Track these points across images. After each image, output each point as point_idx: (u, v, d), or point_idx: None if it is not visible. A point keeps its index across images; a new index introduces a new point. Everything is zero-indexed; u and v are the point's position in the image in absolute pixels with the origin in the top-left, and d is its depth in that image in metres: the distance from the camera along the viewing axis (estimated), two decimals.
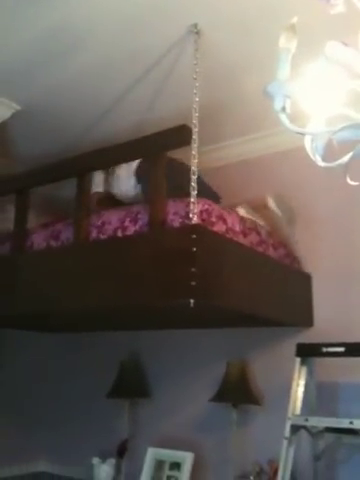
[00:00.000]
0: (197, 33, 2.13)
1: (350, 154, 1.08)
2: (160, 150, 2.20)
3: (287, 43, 1.01)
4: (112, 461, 3.11)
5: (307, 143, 1.07)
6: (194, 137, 2.04)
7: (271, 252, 2.69)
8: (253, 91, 2.48)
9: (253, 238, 2.55)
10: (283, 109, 0.99)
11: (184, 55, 2.28)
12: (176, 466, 2.85)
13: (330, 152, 1.15)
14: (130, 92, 2.67)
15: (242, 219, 2.51)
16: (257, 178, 3.08)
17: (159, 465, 2.91)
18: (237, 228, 2.41)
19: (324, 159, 1.13)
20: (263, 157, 3.06)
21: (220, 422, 2.88)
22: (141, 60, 2.40)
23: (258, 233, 2.62)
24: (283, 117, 0.99)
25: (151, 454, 2.96)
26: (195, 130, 2.04)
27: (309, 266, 2.84)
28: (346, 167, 1.12)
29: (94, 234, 2.32)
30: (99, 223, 2.33)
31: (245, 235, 2.48)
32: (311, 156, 1.09)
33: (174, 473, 2.83)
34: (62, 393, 3.63)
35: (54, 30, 2.20)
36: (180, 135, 2.10)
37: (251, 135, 3.04)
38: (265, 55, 2.25)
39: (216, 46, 2.25)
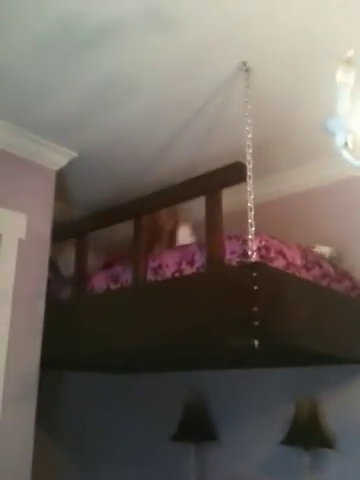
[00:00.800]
0: (247, 70, 2.13)
1: None
2: (216, 188, 2.18)
3: (344, 77, 0.97)
4: None
5: None
6: (249, 174, 2.01)
7: (336, 285, 2.58)
8: (304, 123, 2.45)
9: (316, 272, 2.46)
10: (345, 145, 0.95)
11: (234, 93, 2.28)
12: None
13: None
14: (183, 133, 2.69)
15: (304, 253, 2.44)
16: (314, 210, 3.00)
17: None
18: (298, 262, 2.34)
19: None
20: (319, 188, 2.98)
21: (292, 466, 2.74)
22: (193, 101, 2.42)
23: (321, 266, 2.53)
24: (346, 153, 0.95)
25: None
26: (249, 167, 2.01)
27: None
28: None
29: (151, 276, 2.31)
30: (156, 265, 2.32)
31: (308, 269, 2.40)
32: None
33: None
34: (125, 435, 3.57)
35: (108, 77, 2.26)
36: (235, 172, 2.09)
37: (305, 167, 2.98)
38: (314, 87, 2.23)
39: (265, 82, 2.23)
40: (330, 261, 2.66)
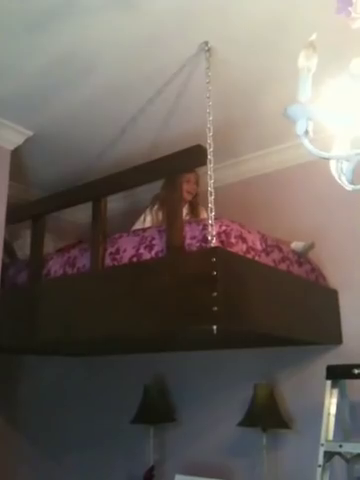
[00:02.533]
0: (208, 51, 2.08)
1: None
2: (176, 172, 2.14)
3: (307, 62, 0.94)
4: None
5: (332, 166, 1.00)
6: (209, 157, 1.97)
7: (295, 269, 2.60)
8: (268, 106, 2.43)
9: (276, 256, 2.47)
10: (306, 133, 0.92)
11: (196, 74, 2.23)
12: None
13: (357, 172, 1.07)
14: (143, 113, 2.63)
15: (263, 237, 2.43)
16: (276, 193, 3.01)
17: None
18: (258, 246, 2.33)
19: (351, 181, 1.05)
20: (281, 171, 2.99)
21: (250, 447, 2.78)
22: (153, 81, 2.37)
23: (280, 250, 2.53)
24: (306, 141, 0.92)
25: None
26: (210, 150, 1.98)
27: (335, 282, 2.74)
28: None
29: (108, 261, 2.26)
30: (113, 250, 2.27)
31: (267, 253, 2.40)
32: (337, 179, 1.01)
33: None
34: (86, 418, 3.56)
35: (65, 55, 2.17)
36: (195, 156, 2.05)
37: (268, 149, 2.98)
38: (278, 70, 2.20)
39: (228, 63, 2.19)
40: (304, 256, 2.67)
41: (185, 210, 2.85)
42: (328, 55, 1.29)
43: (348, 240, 2.73)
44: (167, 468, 3.04)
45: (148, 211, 2.82)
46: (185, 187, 2.74)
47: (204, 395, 3.07)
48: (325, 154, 0.94)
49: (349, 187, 1.00)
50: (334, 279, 2.75)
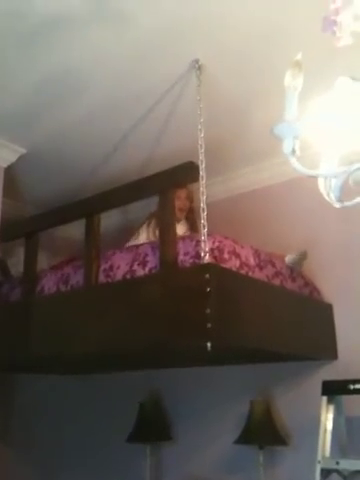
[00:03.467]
0: (199, 68, 2.10)
1: None
2: (168, 188, 2.14)
3: (293, 81, 0.95)
4: None
5: (321, 183, 1.00)
6: (201, 174, 1.98)
7: (289, 284, 2.60)
8: (258, 122, 2.44)
9: (269, 271, 2.47)
10: (293, 152, 0.92)
11: (187, 91, 2.25)
12: None
13: (345, 189, 1.07)
14: (135, 131, 2.64)
15: (256, 252, 2.43)
16: (266, 208, 3.01)
17: None
18: (252, 262, 2.33)
19: (339, 198, 1.05)
20: (272, 186, 2.99)
21: (246, 464, 2.75)
22: (144, 99, 2.38)
23: (273, 265, 2.53)
24: (293, 160, 0.92)
25: None
26: (202, 167, 1.98)
27: (329, 296, 2.74)
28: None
29: (102, 278, 2.25)
30: (107, 266, 2.27)
31: (261, 268, 2.40)
32: (325, 197, 1.01)
33: None
34: (81, 437, 3.51)
35: (56, 73, 2.19)
36: (187, 172, 2.05)
37: (258, 165, 2.98)
38: (268, 86, 2.22)
39: (219, 81, 2.21)
40: (298, 267, 2.67)
41: (183, 228, 2.85)
42: (316, 73, 1.30)
43: (340, 253, 2.74)
44: None
45: (144, 228, 2.82)
46: (176, 204, 2.75)
47: (200, 412, 3.04)
48: (312, 172, 0.94)
49: (337, 204, 1.00)
50: (328, 293, 2.75)
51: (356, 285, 2.66)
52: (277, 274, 2.54)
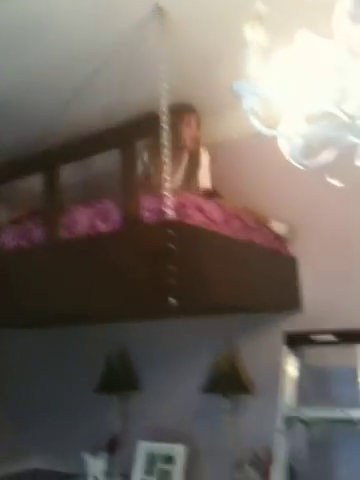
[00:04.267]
0: (161, 15, 1.97)
1: (330, 154, 0.96)
2: (130, 140, 2.06)
3: (254, 35, 0.88)
4: (103, 455, 3.06)
5: (282, 144, 0.96)
6: (163, 125, 1.90)
7: (257, 237, 2.59)
8: (225, 72, 2.32)
9: (236, 225, 2.45)
10: (252, 109, 0.87)
11: (150, 38, 2.11)
12: (169, 459, 2.79)
13: (309, 149, 1.03)
14: (98, 78, 2.49)
15: (222, 207, 2.40)
16: (234, 161, 2.93)
17: (151, 459, 2.86)
18: (217, 217, 2.30)
19: (303, 157, 1.01)
20: (239, 139, 2.89)
21: (212, 412, 2.83)
22: (106, 44, 2.23)
23: (241, 219, 2.51)
24: (252, 118, 0.87)
25: (142, 448, 2.91)
26: (164, 118, 1.90)
27: (295, 249, 2.74)
28: (326, 166, 1.01)
29: (63, 233, 2.19)
30: (68, 222, 2.20)
31: (227, 223, 2.38)
32: (287, 157, 0.97)
33: (167, 467, 2.78)
34: (50, 389, 3.54)
35: (12, 19, 2.02)
36: (149, 123, 1.97)
37: (225, 117, 2.88)
38: (236, 33, 2.10)
39: (183, 28, 2.08)
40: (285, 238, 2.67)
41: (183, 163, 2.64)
42: (283, 28, 1.21)
43: (307, 208, 2.73)
44: (131, 435, 3.06)
45: (139, 162, 2.62)
46: (186, 133, 2.57)
47: (166, 363, 3.08)
48: (271, 131, 0.89)
49: (300, 166, 0.96)
50: (294, 247, 2.75)
51: (320, 239, 2.67)
52: (244, 228, 2.52)
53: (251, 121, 0.88)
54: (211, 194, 2.61)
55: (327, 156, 0.98)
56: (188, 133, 2.62)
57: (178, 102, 2.38)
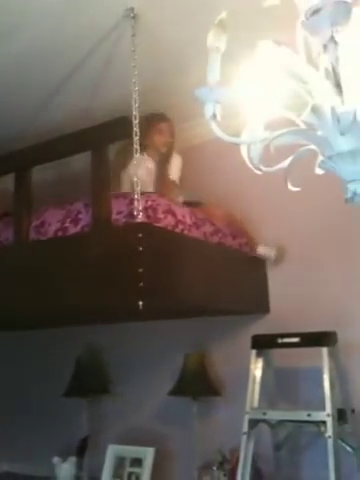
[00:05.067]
0: (134, 17, 1.99)
1: (290, 159, 0.99)
2: (102, 143, 2.07)
3: (216, 42, 0.91)
4: (73, 459, 3.05)
5: (243, 150, 0.98)
6: (135, 130, 1.92)
7: (229, 241, 2.63)
8: (197, 75, 2.36)
9: (207, 229, 2.48)
10: (214, 116, 0.89)
11: (123, 41, 2.13)
12: (137, 462, 2.80)
13: (269, 155, 1.06)
14: (71, 79, 2.50)
15: (193, 210, 2.43)
16: (203, 163, 2.97)
17: (120, 462, 2.85)
18: (188, 220, 2.33)
19: (262, 162, 1.04)
20: (210, 142, 2.93)
21: (181, 415, 2.84)
22: (80, 45, 2.24)
23: (212, 223, 2.54)
24: (214, 125, 0.90)
25: (112, 451, 2.90)
26: (136, 122, 1.92)
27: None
28: (286, 171, 1.04)
29: (33, 235, 2.19)
30: (38, 223, 2.20)
31: (197, 227, 2.40)
32: (248, 163, 1.00)
33: (135, 469, 2.78)
34: (19, 392, 3.51)
35: None
36: (121, 127, 1.98)
37: (196, 120, 2.90)
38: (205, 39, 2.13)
39: (155, 31, 2.11)
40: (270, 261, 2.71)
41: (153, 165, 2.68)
42: (242, 35, 1.24)
43: (275, 212, 2.77)
44: (101, 439, 3.05)
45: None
46: (157, 139, 2.68)
47: (137, 365, 3.09)
48: (232, 139, 0.92)
49: (259, 172, 0.99)
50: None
51: (288, 241, 2.72)
52: (216, 232, 2.55)
53: (212, 128, 0.90)
54: (191, 204, 2.65)
55: (285, 163, 1.01)
56: (159, 140, 2.70)
57: (152, 109, 2.42)
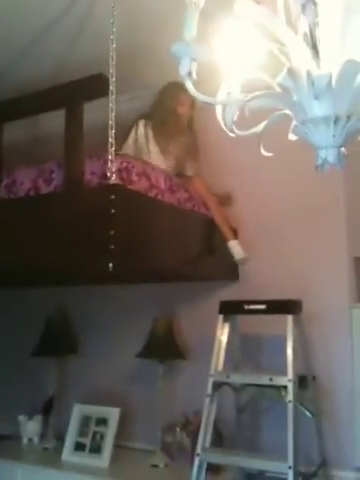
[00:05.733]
0: None
1: (264, 123, 0.99)
2: (76, 101, 2.02)
3: None
4: (39, 418, 3.09)
5: (218, 112, 0.97)
6: (111, 88, 1.87)
7: (202, 209, 2.63)
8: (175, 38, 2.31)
9: (181, 195, 2.48)
10: (189, 74, 0.88)
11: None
12: (103, 421, 2.85)
13: (243, 118, 1.05)
14: (48, 33, 2.42)
15: (168, 175, 2.42)
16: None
17: (86, 421, 2.90)
18: (162, 185, 2.32)
19: (236, 126, 1.03)
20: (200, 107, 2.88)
21: (147, 376, 2.89)
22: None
23: (187, 190, 2.54)
24: (189, 83, 0.88)
25: (78, 410, 2.95)
26: (112, 80, 1.87)
27: (233, 220, 2.80)
28: (260, 136, 1.04)
29: (4, 193, 2.15)
30: (9, 181, 2.15)
31: (172, 192, 2.40)
32: (222, 125, 0.99)
33: (100, 428, 2.83)
34: None
35: None
36: (96, 85, 1.94)
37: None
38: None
39: None
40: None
41: (184, 140, 2.69)
42: None
43: (246, 180, 2.78)
44: (67, 398, 3.09)
45: (133, 133, 2.64)
46: (180, 110, 2.64)
47: (105, 327, 3.12)
48: (207, 99, 0.91)
49: (232, 134, 0.98)
50: (234, 218, 2.81)
51: (256, 210, 2.74)
52: (190, 199, 2.55)
53: (187, 86, 0.88)
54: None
55: (259, 127, 1.01)
56: (181, 111, 2.66)
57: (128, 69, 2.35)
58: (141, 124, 2.62)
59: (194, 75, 0.88)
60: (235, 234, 2.70)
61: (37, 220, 2.04)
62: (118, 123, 1.89)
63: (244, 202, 2.78)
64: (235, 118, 0.95)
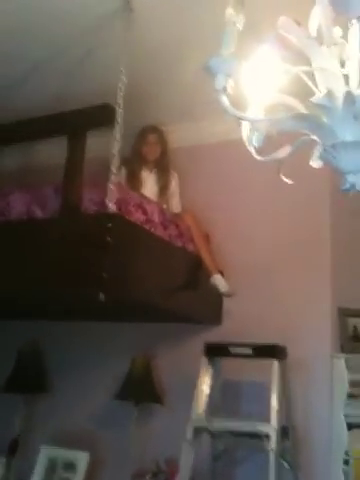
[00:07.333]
0: (130, 9, 1.99)
1: (288, 149, 1.00)
2: (80, 129, 2.04)
3: (234, 15, 0.91)
4: (2, 460, 2.89)
5: (244, 131, 0.99)
6: (118, 119, 1.90)
7: (190, 247, 2.63)
8: (188, 77, 2.35)
9: (172, 231, 2.48)
10: (224, 89, 0.89)
11: (116, 31, 2.11)
12: (70, 466, 2.69)
13: (266, 145, 1.07)
14: (52, 61, 2.45)
15: (162, 210, 2.43)
16: (190, 168, 2.97)
17: (52, 465, 2.73)
18: (156, 219, 2.32)
19: (260, 152, 1.04)
20: (194, 147, 2.95)
21: (120, 420, 2.77)
22: (67, 25, 2.20)
23: (177, 226, 2.55)
24: (223, 98, 0.90)
25: (44, 453, 2.77)
26: (119, 111, 1.90)
27: (219, 264, 2.79)
28: (280, 162, 1.05)
29: None
30: (3, 204, 2.12)
31: (165, 227, 2.40)
32: (247, 146, 1.00)
33: (68, 474, 2.67)
34: None
35: None
36: (103, 114, 1.96)
37: (184, 124, 2.92)
38: (201, 40, 2.15)
39: (150, 24, 2.11)
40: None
41: (153, 176, 2.81)
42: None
43: (234, 227, 2.80)
44: (34, 439, 2.92)
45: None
46: (145, 150, 2.79)
47: (80, 366, 3.00)
48: (239, 114, 0.92)
49: (257, 156, 0.99)
50: (220, 263, 2.80)
51: (245, 257, 2.74)
52: (180, 235, 2.56)
53: (221, 100, 0.90)
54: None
55: (280, 152, 1.02)
56: (146, 151, 2.81)
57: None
58: (122, 169, 2.69)
59: (229, 90, 0.90)
60: (221, 274, 2.68)
61: (30, 245, 1.99)
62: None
63: (229, 244, 2.79)
64: (262, 142, 0.96)
